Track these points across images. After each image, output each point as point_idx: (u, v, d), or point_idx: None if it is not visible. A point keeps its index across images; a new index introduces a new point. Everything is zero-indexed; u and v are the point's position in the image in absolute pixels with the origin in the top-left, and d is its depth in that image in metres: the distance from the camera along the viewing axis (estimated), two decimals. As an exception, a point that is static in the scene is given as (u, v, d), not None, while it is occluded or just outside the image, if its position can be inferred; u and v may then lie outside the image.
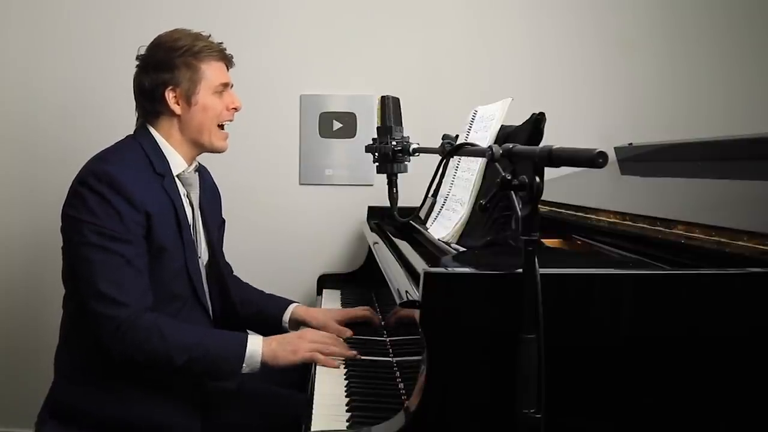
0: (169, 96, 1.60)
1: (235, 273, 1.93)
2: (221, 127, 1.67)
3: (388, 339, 1.65)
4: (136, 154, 1.60)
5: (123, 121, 1.71)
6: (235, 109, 1.68)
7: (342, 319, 1.75)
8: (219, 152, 1.69)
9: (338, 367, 1.46)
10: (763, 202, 1.34)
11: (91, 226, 1.47)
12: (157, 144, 1.63)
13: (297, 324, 1.80)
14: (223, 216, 1.88)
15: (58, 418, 1.54)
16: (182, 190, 1.65)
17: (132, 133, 1.68)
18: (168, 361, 1.45)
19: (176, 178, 1.63)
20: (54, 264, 1.62)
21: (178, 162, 1.64)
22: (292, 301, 1.85)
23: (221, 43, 1.67)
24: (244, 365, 1.47)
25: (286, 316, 1.80)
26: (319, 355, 1.47)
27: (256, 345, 1.48)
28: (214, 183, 1.84)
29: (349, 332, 1.65)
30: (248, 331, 1.61)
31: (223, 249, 1.85)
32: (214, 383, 1.52)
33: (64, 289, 1.61)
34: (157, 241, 1.53)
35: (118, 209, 1.47)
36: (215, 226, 1.78)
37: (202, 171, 1.75)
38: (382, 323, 1.77)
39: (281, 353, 1.49)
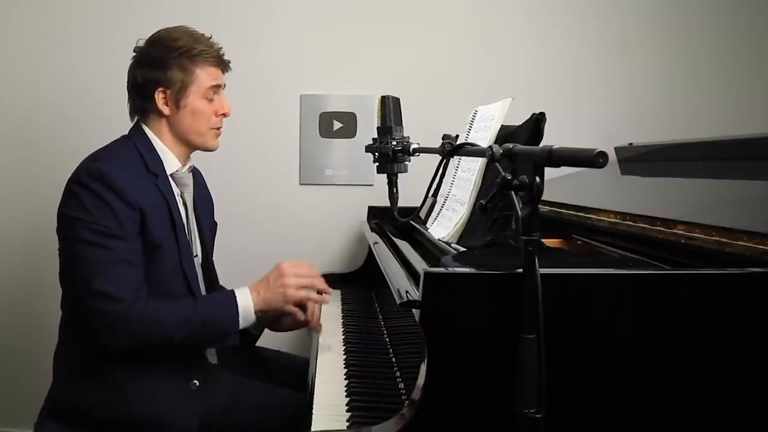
0: (159, 97, 1.60)
1: (234, 272, 1.93)
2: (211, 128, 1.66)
3: (388, 339, 1.65)
4: (130, 152, 1.60)
5: (122, 120, 1.70)
6: (224, 115, 1.68)
7: None
8: (211, 151, 1.69)
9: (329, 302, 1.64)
10: (763, 202, 1.34)
11: (84, 223, 1.47)
12: (151, 143, 1.63)
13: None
14: (223, 216, 1.88)
15: (57, 417, 1.54)
16: (176, 190, 1.65)
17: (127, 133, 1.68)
18: (167, 341, 1.47)
19: (170, 178, 1.64)
20: (54, 264, 1.62)
21: (171, 161, 1.64)
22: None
23: (221, 48, 1.66)
24: (240, 321, 1.51)
25: None
26: (312, 294, 1.59)
27: (246, 299, 1.52)
28: (207, 187, 1.84)
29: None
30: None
31: (223, 248, 1.85)
32: (219, 346, 1.57)
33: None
34: (151, 238, 1.53)
35: (111, 206, 1.48)
36: (208, 226, 1.78)
37: (195, 173, 1.75)
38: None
39: (273, 299, 1.54)
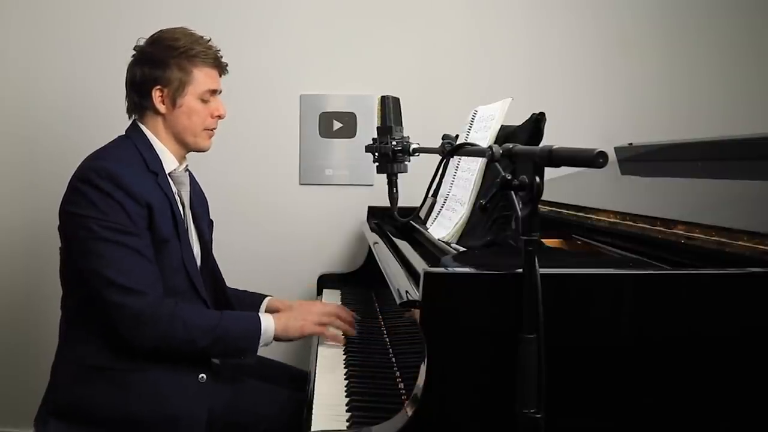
0: (156, 94, 1.62)
1: (234, 272, 1.93)
2: (205, 129, 1.68)
3: (388, 339, 1.65)
4: (130, 152, 1.62)
5: (122, 120, 1.71)
6: (219, 117, 1.70)
7: None
8: (203, 151, 1.71)
9: (344, 344, 1.63)
10: (763, 202, 1.34)
11: (97, 220, 1.49)
12: (149, 142, 1.65)
13: None
14: (223, 216, 1.89)
15: (58, 416, 1.53)
16: (174, 189, 1.66)
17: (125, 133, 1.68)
18: (191, 346, 1.51)
19: (168, 177, 1.65)
20: (55, 262, 1.62)
21: (169, 160, 1.66)
22: (266, 295, 1.88)
23: (219, 50, 1.68)
24: (260, 342, 1.57)
25: (262, 310, 1.82)
26: (325, 331, 1.63)
27: (269, 322, 1.59)
28: (199, 185, 1.85)
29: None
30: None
31: (223, 248, 1.85)
32: (233, 361, 1.61)
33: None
34: (159, 233, 1.55)
35: (121, 203, 1.50)
36: (205, 224, 1.79)
37: (189, 173, 1.76)
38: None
39: (291, 326, 1.61)
